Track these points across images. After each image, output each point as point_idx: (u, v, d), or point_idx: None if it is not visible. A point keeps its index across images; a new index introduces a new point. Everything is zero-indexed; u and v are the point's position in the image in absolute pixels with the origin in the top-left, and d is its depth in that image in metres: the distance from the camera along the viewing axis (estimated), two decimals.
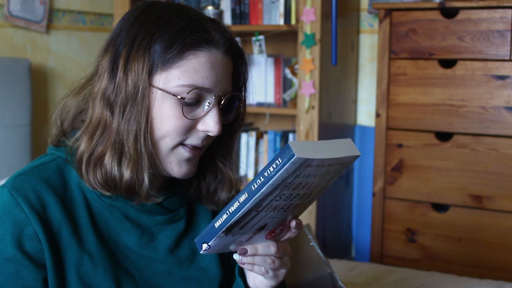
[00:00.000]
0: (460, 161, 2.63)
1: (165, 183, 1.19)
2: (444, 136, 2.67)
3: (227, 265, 1.26)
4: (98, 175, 1.07)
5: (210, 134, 1.09)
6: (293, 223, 1.04)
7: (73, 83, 1.16)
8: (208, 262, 1.21)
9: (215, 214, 1.24)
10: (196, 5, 3.24)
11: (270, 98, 3.30)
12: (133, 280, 1.13)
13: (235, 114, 1.15)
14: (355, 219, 3.33)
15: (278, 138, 3.31)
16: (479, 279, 2.14)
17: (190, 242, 1.20)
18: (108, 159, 1.07)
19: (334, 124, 3.12)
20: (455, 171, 2.64)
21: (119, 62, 1.07)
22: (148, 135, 1.06)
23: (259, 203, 0.93)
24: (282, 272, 1.09)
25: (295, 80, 3.21)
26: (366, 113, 3.29)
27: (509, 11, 2.50)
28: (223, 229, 0.97)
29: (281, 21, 3.09)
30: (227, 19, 3.19)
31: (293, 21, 3.06)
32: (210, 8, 3.16)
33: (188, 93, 1.05)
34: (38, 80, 3.14)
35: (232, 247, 1.04)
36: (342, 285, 1.48)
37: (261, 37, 3.13)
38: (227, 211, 0.96)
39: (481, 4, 2.54)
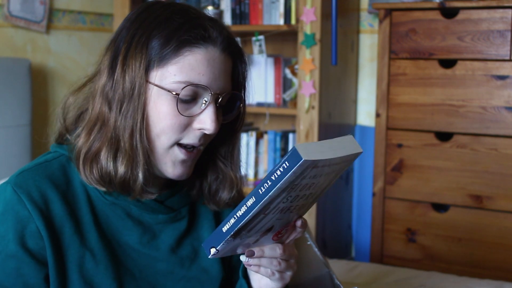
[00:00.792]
0: (460, 161, 2.63)
1: (168, 182, 1.19)
2: (444, 136, 2.67)
3: (228, 265, 1.26)
4: (94, 171, 1.08)
5: (206, 132, 1.08)
6: (298, 222, 1.05)
7: (76, 82, 1.17)
8: (209, 262, 1.20)
9: (217, 214, 1.25)
10: (196, 5, 3.24)
11: (270, 98, 3.30)
12: (134, 278, 1.13)
13: (235, 114, 1.15)
14: (355, 219, 3.33)
15: (278, 138, 3.30)
16: (479, 279, 2.14)
17: (192, 242, 1.20)
18: (104, 155, 1.07)
19: (334, 124, 3.12)
20: (455, 171, 2.64)
21: (118, 59, 1.07)
22: (144, 131, 1.06)
23: (266, 206, 0.93)
24: (288, 274, 1.09)
25: (295, 80, 3.21)
26: (366, 113, 3.29)
27: (509, 11, 2.50)
28: (231, 233, 0.97)
29: (281, 21, 3.09)
30: (227, 19, 3.19)
31: (293, 21, 3.05)
32: (210, 8, 3.16)
33: (182, 89, 1.05)
34: (38, 80, 3.14)
35: (239, 250, 1.05)
36: (338, 282, 1.48)
37: (261, 37, 3.13)
38: (235, 215, 0.96)
39: (481, 4, 2.53)
